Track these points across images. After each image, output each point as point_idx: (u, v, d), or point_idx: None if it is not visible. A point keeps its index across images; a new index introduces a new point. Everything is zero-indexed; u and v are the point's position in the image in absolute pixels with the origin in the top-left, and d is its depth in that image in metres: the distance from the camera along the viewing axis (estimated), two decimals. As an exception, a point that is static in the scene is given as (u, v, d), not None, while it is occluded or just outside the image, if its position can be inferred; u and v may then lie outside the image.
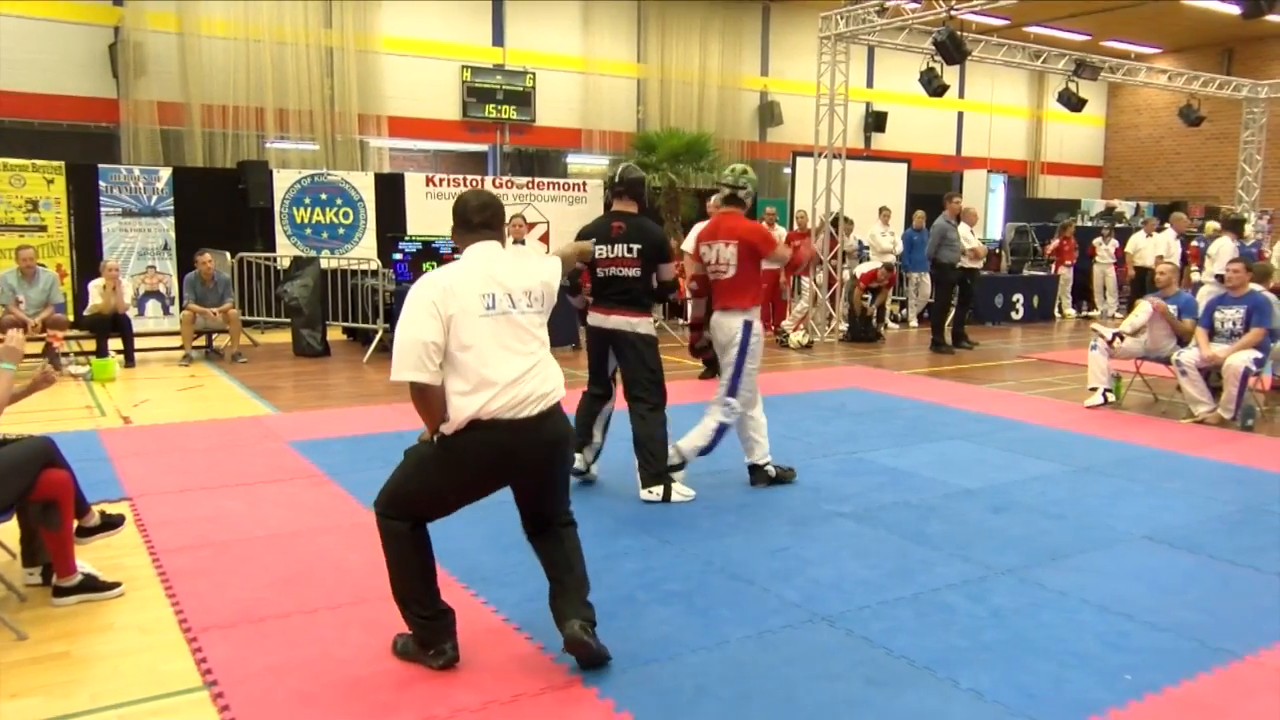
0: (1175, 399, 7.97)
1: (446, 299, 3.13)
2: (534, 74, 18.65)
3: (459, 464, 3.22)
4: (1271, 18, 17.03)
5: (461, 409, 3.14)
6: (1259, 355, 7.46)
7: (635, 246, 5.29)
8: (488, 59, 18.51)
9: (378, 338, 10.74)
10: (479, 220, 3.33)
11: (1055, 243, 16.31)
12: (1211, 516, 5.17)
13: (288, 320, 11.09)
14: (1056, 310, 16.10)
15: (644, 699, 3.12)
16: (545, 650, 3.44)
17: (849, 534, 4.82)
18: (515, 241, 7.87)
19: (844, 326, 13.11)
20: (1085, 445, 6.81)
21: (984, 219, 18.97)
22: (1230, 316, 7.64)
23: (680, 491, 5.34)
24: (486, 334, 3.17)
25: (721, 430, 5.47)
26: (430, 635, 3.30)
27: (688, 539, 4.69)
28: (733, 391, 5.42)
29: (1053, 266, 16.32)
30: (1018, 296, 15.31)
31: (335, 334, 11.69)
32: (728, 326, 5.41)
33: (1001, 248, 19.03)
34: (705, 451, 5.51)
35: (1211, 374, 7.64)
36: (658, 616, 3.76)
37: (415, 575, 3.29)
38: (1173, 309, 7.95)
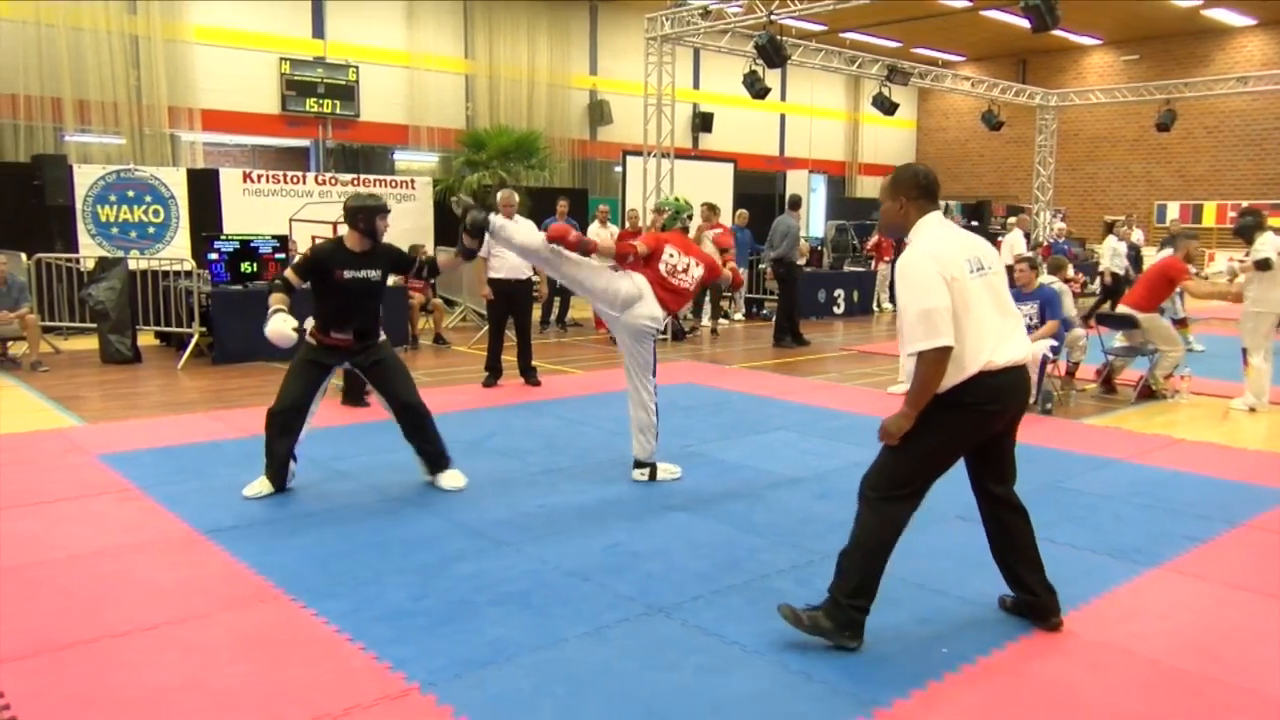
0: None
1: (944, 266, 3.29)
2: (357, 68, 18.12)
3: (967, 415, 3.40)
4: (1058, 33, 18.40)
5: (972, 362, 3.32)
6: (1054, 343, 8.04)
7: None
8: (308, 51, 17.86)
9: (193, 342, 10.19)
10: (937, 191, 3.51)
11: (873, 240, 17.04)
12: (1014, 495, 5.52)
13: (93, 325, 10.38)
14: (875, 304, 16.85)
15: (481, 702, 3.09)
16: (379, 659, 3.35)
17: (681, 526, 4.91)
18: None
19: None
20: (902, 432, 7.16)
21: (807, 217, 19.72)
22: (1026, 311, 8.16)
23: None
24: (981, 292, 3.36)
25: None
26: (855, 625, 3.48)
27: (522, 539, 4.67)
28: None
29: (871, 263, 17.05)
30: (839, 291, 15.94)
31: (147, 339, 11.01)
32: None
33: (823, 245, 19.81)
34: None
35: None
36: (493, 618, 3.73)
37: (882, 564, 3.46)
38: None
